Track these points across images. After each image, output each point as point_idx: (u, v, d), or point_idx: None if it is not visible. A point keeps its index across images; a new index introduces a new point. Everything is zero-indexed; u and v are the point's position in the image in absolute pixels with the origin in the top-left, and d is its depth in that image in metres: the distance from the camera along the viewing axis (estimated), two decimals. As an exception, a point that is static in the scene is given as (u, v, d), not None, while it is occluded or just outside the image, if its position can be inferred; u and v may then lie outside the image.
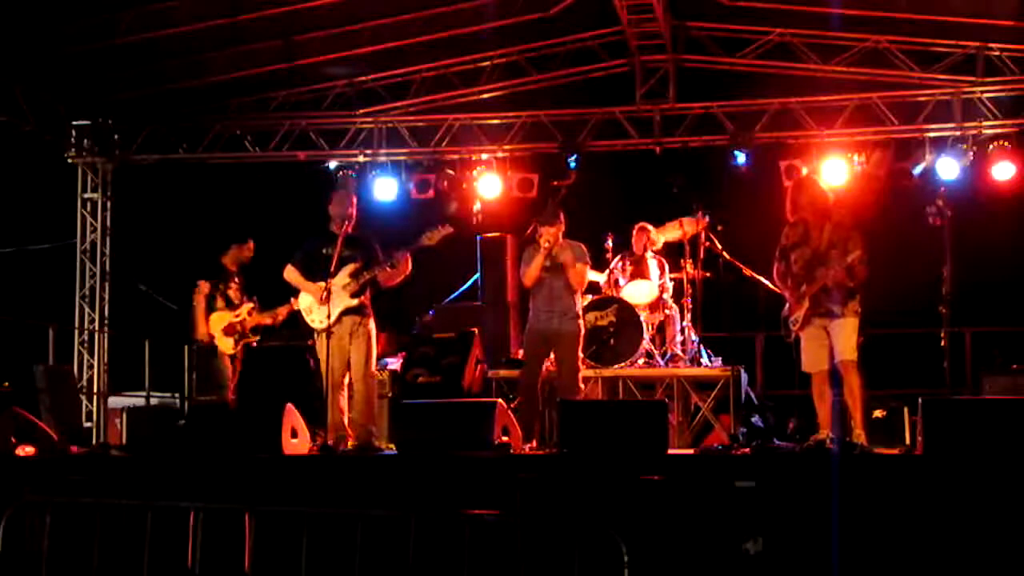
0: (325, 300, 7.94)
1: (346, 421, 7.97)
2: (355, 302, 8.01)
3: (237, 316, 9.24)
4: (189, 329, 9.37)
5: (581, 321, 8.54)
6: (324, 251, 8.04)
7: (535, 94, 12.27)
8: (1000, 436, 6.33)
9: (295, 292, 8.45)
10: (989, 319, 10.76)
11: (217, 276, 9.33)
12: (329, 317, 7.94)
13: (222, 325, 9.21)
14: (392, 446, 8.06)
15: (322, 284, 7.95)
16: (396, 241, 8.29)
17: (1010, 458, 6.17)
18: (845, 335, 7.11)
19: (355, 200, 8.31)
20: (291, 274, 8.28)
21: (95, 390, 12.48)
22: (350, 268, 8.03)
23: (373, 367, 8.16)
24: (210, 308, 9.21)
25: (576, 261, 8.42)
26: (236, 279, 9.40)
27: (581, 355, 8.63)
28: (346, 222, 8.04)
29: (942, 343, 8.01)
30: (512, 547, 5.43)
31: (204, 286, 9.25)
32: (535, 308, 8.49)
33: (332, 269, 7.91)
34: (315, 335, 8.20)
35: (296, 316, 8.68)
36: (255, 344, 9.40)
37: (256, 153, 12.72)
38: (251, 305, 9.33)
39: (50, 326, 10.98)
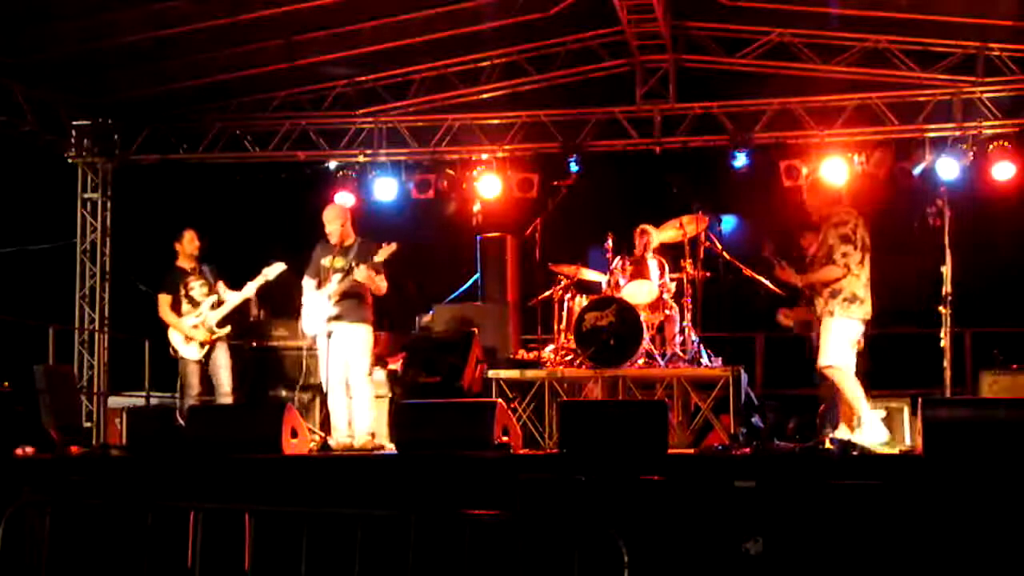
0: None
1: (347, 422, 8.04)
2: (337, 310, 8.21)
3: (198, 316, 9.03)
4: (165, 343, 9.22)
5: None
6: (324, 263, 8.35)
7: (535, 94, 12.25)
8: (1000, 436, 6.33)
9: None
10: (989, 319, 10.76)
11: (175, 282, 9.14)
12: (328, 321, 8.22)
13: (179, 336, 9.04)
14: (392, 446, 8.07)
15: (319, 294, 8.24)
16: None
17: (1010, 458, 6.17)
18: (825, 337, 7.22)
19: (349, 215, 8.53)
20: (307, 285, 8.49)
21: (95, 390, 12.47)
22: (340, 278, 8.28)
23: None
24: (177, 315, 9.04)
25: None
26: (193, 275, 9.19)
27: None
28: (334, 234, 8.28)
29: (942, 343, 7.99)
30: (512, 547, 5.43)
31: (164, 299, 9.09)
32: None
33: (327, 280, 8.24)
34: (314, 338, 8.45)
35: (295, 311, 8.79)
36: (224, 338, 9.08)
37: (256, 153, 12.71)
38: (214, 299, 9.08)
39: (50, 326, 10.97)
